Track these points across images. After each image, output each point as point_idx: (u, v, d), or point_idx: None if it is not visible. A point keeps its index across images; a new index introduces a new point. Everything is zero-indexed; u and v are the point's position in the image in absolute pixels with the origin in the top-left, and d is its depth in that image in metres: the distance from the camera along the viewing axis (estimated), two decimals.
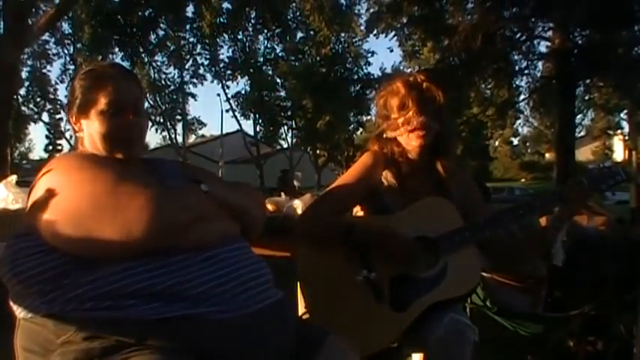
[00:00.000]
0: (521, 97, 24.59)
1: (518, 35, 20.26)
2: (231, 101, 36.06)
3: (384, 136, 2.45)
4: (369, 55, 33.65)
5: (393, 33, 21.58)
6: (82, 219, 1.50)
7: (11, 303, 1.62)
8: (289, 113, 35.43)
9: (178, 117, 38.92)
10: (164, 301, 1.49)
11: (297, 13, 33.03)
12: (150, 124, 2.08)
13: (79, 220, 1.50)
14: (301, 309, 2.32)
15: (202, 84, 37.94)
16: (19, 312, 1.61)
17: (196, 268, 1.56)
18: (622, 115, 37.61)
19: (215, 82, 36.56)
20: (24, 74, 31.48)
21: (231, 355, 1.53)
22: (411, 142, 2.38)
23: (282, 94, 35.68)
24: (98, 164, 1.65)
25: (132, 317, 1.46)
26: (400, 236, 2.22)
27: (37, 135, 77.74)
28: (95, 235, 1.49)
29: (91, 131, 1.78)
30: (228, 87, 37.96)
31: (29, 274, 1.54)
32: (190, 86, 37.81)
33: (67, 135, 36.96)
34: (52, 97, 36.16)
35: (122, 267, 1.49)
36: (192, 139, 49.44)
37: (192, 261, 1.56)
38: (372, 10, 21.97)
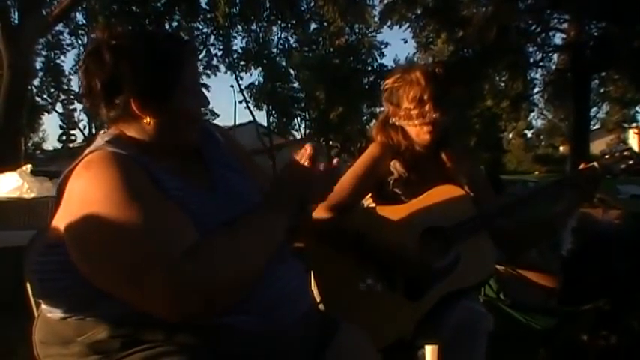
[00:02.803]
0: (536, 89, 24.54)
1: (532, 27, 20.17)
2: (245, 92, 36.01)
3: (391, 122, 2.45)
4: (383, 46, 33.56)
5: (407, 24, 21.50)
6: (93, 258, 1.37)
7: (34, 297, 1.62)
8: (302, 104, 35.39)
9: None
10: None
11: (311, 4, 32.97)
12: None
13: (88, 255, 1.38)
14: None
15: (216, 75, 37.83)
16: (42, 305, 1.57)
17: None
18: (637, 108, 37.35)
19: (228, 73, 36.49)
20: (38, 65, 31.57)
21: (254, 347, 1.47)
22: (421, 135, 2.39)
23: (296, 85, 35.63)
24: (139, 182, 1.42)
25: (157, 321, 1.37)
26: (410, 258, 2.22)
27: (50, 125, 77.98)
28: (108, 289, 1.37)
29: (168, 116, 1.53)
30: (241, 78, 37.65)
31: (57, 294, 1.47)
32: (204, 77, 37.87)
33: (81, 125, 37.14)
34: (65, 87, 36.27)
35: None
36: None
37: None
38: (385, 1, 21.85)
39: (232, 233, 1.44)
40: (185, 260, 1.30)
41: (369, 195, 2.49)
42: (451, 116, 2.43)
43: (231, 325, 1.43)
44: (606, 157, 2.38)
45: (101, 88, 1.50)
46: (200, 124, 1.67)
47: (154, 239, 1.33)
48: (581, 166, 2.35)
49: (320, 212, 2.39)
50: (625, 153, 2.36)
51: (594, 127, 35.12)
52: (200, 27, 33.95)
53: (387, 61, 33.11)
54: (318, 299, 2.27)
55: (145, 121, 1.53)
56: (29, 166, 3.13)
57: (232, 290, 1.39)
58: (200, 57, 35.42)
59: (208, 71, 36.39)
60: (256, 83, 35.91)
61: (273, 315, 1.49)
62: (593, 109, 30.07)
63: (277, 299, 1.51)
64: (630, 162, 2.34)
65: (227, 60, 35.44)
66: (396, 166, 2.41)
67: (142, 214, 1.35)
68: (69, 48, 34.78)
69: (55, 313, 1.49)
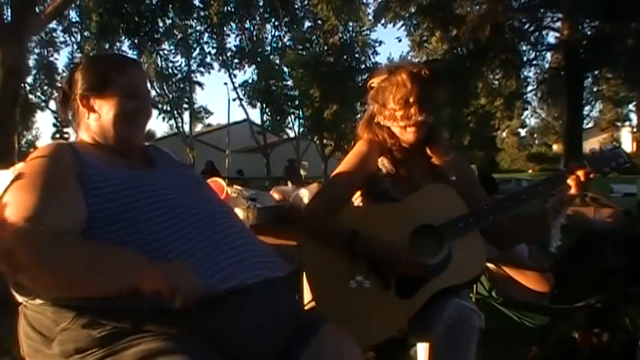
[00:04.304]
0: (529, 88, 24.60)
1: (526, 26, 20.23)
2: (238, 90, 35.93)
3: (376, 121, 2.47)
4: (377, 44, 33.44)
5: (401, 22, 21.54)
6: None
7: (11, 289, 1.64)
8: (296, 102, 35.28)
9: (185, 106, 38.86)
10: None
11: (305, 2, 32.92)
12: (157, 112, 2.13)
13: None
14: (307, 298, 2.33)
15: (209, 73, 37.88)
16: (19, 298, 1.64)
17: (181, 242, 1.60)
18: (630, 106, 37.56)
19: (222, 70, 36.47)
20: (31, 62, 31.46)
21: (226, 334, 1.53)
22: (405, 135, 2.42)
23: (290, 83, 35.53)
24: (56, 173, 1.64)
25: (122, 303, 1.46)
26: (401, 256, 2.21)
27: (44, 123, 77.89)
28: None
29: (105, 111, 1.82)
30: (235, 76, 37.72)
31: None
32: (197, 75, 37.80)
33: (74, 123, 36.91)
34: (59, 85, 36.00)
35: None
36: (199, 127, 49.52)
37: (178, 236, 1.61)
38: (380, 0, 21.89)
39: (85, 242, 1.53)
40: (29, 227, 1.42)
41: (360, 193, 2.49)
42: (437, 116, 2.45)
43: None
44: (596, 155, 2.39)
45: (62, 98, 1.89)
46: (139, 125, 1.90)
47: (25, 214, 1.45)
48: (571, 165, 2.36)
49: (311, 210, 2.40)
50: (614, 151, 2.37)
51: (588, 126, 35.25)
52: (194, 25, 33.94)
53: (381, 60, 33.09)
54: (309, 297, 2.28)
55: (87, 117, 1.85)
56: (21, 165, 3.12)
57: (43, 271, 1.40)
58: (194, 55, 35.40)
59: (202, 69, 36.44)
60: (250, 81, 35.91)
61: (227, 278, 1.57)
62: (587, 108, 30.19)
63: (223, 261, 1.62)
64: (619, 160, 2.35)
65: (221, 58, 35.42)
66: (383, 163, 2.43)
67: (34, 198, 1.51)
68: (62, 46, 34.71)
69: (26, 295, 1.58)
